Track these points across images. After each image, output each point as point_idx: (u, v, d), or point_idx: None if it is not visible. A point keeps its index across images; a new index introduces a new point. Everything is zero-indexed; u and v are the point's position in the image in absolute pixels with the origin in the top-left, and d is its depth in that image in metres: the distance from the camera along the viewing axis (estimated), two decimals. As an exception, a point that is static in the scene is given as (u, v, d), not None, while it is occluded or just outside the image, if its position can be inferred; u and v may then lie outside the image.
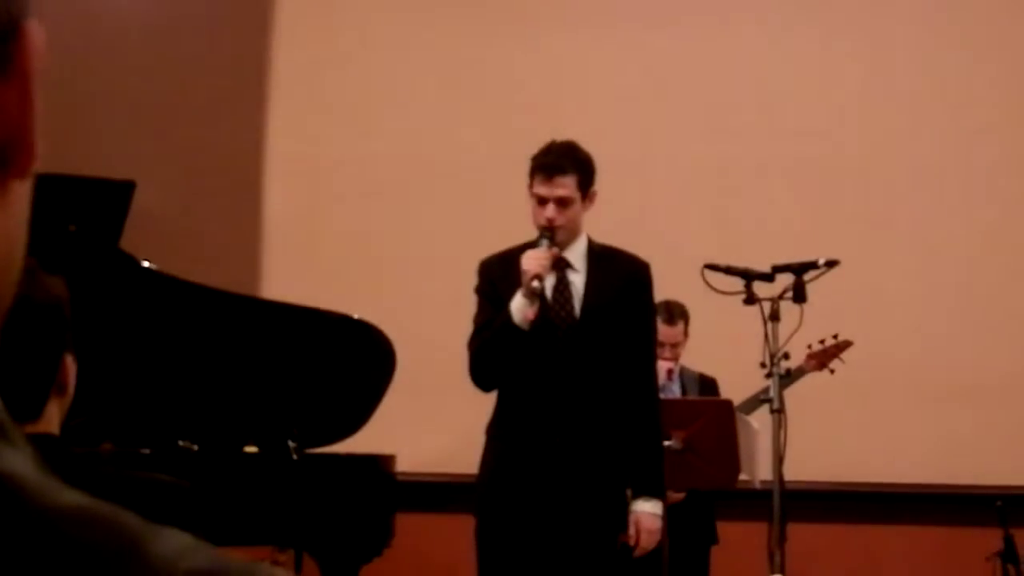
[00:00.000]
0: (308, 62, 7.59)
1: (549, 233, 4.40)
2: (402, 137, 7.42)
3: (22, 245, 0.67)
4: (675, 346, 6.00)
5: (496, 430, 4.52)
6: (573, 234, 4.49)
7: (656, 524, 4.48)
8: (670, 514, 5.28)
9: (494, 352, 4.43)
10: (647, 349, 4.58)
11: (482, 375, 4.49)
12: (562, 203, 4.41)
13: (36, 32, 0.65)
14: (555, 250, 4.39)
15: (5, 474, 0.57)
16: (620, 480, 4.46)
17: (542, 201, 4.42)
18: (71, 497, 0.58)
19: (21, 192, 0.66)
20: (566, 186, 4.41)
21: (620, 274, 4.51)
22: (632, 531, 4.45)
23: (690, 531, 5.78)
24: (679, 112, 7.32)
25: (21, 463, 0.58)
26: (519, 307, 4.33)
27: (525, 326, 4.32)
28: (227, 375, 4.97)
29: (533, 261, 4.32)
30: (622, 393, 4.44)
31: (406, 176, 7.39)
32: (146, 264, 4.74)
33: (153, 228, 6.37)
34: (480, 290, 4.54)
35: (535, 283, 4.28)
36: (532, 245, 4.46)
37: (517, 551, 4.40)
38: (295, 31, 7.61)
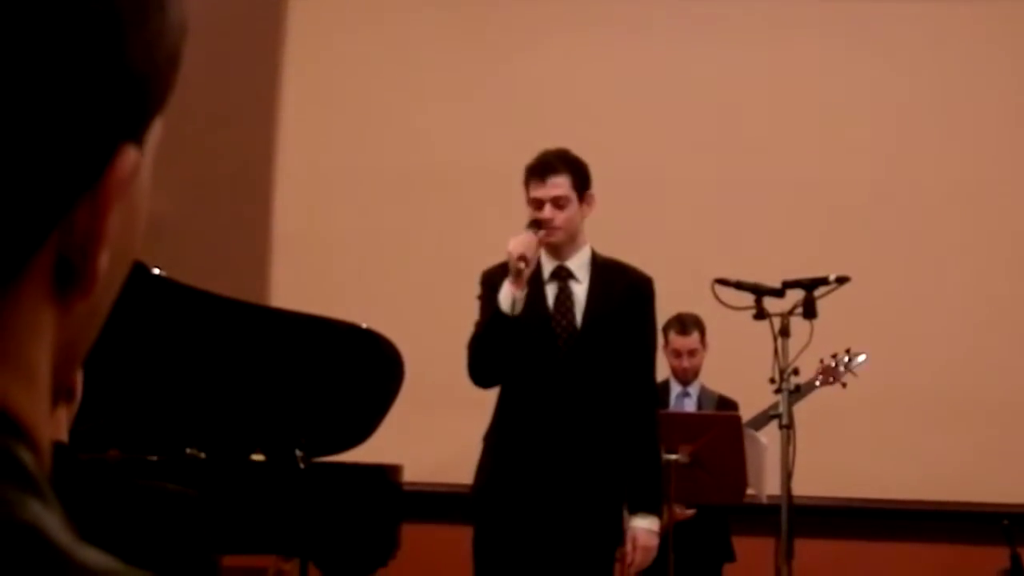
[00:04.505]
0: (318, 72, 7.60)
1: (536, 222, 4.40)
2: (410, 147, 7.42)
3: (77, 362, 0.68)
4: (692, 354, 5.99)
5: (493, 438, 4.51)
6: (571, 237, 4.48)
7: (652, 541, 4.45)
8: (682, 530, 5.27)
9: (486, 343, 4.41)
10: (646, 363, 4.54)
11: (477, 369, 4.47)
12: (557, 202, 4.41)
13: (130, 159, 0.64)
14: (541, 234, 4.38)
15: (36, 527, 0.58)
16: (617, 493, 4.44)
17: (538, 204, 4.43)
18: (103, 559, 0.59)
19: (83, 313, 0.66)
20: (560, 185, 4.41)
21: (622, 286, 4.50)
22: (628, 547, 4.44)
23: (704, 548, 5.77)
24: (690, 127, 7.32)
25: (51, 520, 0.59)
26: (506, 293, 4.32)
27: (512, 311, 4.30)
28: (235, 383, 4.97)
29: (517, 243, 4.31)
30: (621, 406, 4.43)
31: (414, 186, 7.40)
32: (156, 271, 4.74)
33: (163, 235, 6.38)
34: (482, 296, 4.54)
35: (521, 264, 4.26)
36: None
37: (513, 561, 4.39)
38: (306, 41, 7.62)
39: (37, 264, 0.62)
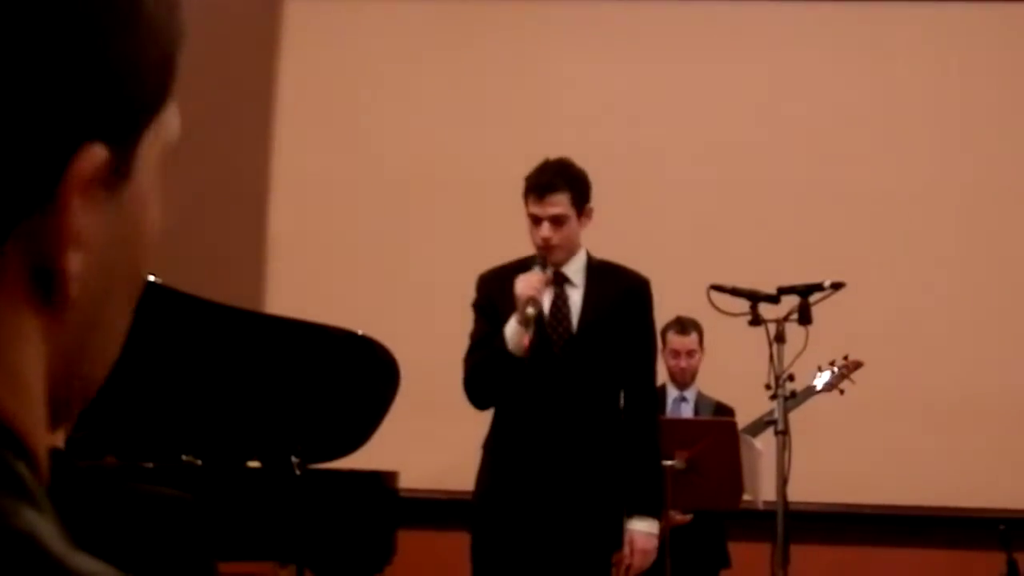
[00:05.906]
0: (314, 78, 7.60)
1: (543, 258, 4.38)
2: (407, 152, 7.42)
3: (82, 376, 0.67)
4: (690, 355, 6.01)
5: (492, 446, 4.51)
6: (570, 252, 4.46)
7: (651, 543, 4.45)
8: (678, 536, 5.26)
9: (487, 375, 4.41)
10: (646, 365, 4.54)
11: (476, 395, 4.47)
12: (556, 221, 4.38)
13: (94, 157, 0.62)
14: (548, 273, 4.37)
15: (31, 535, 0.58)
16: (616, 498, 4.43)
17: (537, 220, 4.40)
18: (97, 566, 0.59)
19: (76, 322, 0.64)
20: (559, 204, 4.38)
21: (618, 289, 4.49)
22: (626, 550, 4.43)
23: (700, 553, 5.77)
24: (685, 132, 7.32)
25: (45, 527, 0.59)
26: (513, 333, 4.29)
27: (520, 353, 4.29)
28: (231, 390, 4.96)
29: (526, 285, 4.27)
30: (620, 408, 4.42)
31: (410, 191, 7.39)
32: (152, 278, 4.74)
33: (159, 242, 6.37)
34: (477, 305, 4.53)
35: (530, 309, 4.23)
36: (530, 260, 4.46)
37: (511, 568, 4.39)
38: (301, 48, 7.62)
39: (8, 269, 0.61)
